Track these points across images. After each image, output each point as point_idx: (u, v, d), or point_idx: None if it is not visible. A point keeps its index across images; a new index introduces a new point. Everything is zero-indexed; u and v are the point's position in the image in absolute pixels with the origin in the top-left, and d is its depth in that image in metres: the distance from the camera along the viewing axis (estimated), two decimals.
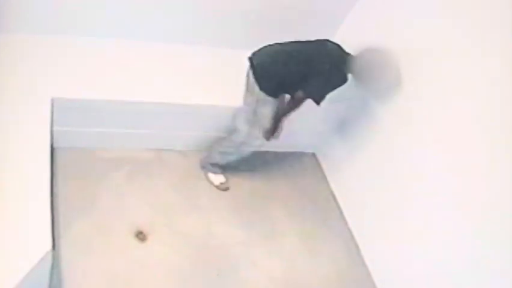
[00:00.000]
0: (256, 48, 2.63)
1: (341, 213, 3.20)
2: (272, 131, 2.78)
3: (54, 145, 2.64)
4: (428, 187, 2.58)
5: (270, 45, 2.62)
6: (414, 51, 2.71)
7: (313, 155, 3.53)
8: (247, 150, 2.85)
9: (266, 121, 2.71)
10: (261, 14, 3.03)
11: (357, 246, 3.03)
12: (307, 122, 3.22)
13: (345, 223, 3.14)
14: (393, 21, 2.90)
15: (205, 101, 2.86)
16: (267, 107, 2.65)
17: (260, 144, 2.82)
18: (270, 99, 2.62)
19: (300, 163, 3.43)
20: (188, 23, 2.98)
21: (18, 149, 2.22)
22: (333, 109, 3.17)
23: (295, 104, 2.72)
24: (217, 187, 3.01)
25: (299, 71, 2.56)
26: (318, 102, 2.63)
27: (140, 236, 2.59)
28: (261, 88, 2.57)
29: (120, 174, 2.83)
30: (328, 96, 2.63)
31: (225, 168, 3.04)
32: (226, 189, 3.03)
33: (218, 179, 3.03)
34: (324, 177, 3.40)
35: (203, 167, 3.04)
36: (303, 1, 3.10)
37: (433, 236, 2.54)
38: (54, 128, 2.56)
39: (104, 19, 2.80)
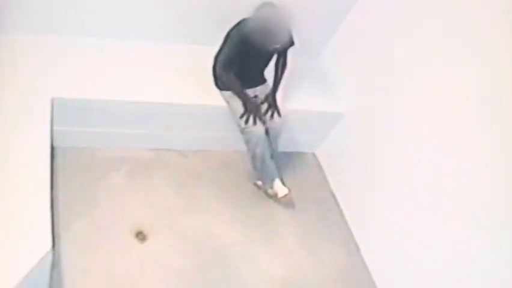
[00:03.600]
0: None
1: (341, 213, 3.20)
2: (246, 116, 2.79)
3: (54, 145, 2.64)
4: (429, 187, 2.58)
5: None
6: (410, 52, 2.72)
7: (313, 155, 3.53)
8: (250, 146, 2.84)
9: (237, 115, 2.79)
10: None
11: (357, 246, 3.03)
12: (307, 122, 3.23)
13: (345, 223, 3.14)
14: (390, 22, 2.90)
15: (205, 101, 2.86)
16: (233, 101, 2.80)
17: (252, 136, 2.79)
18: (225, 93, 2.82)
19: (300, 163, 3.43)
20: (189, 23, 2.98)
21: (18, 149, 2.22)
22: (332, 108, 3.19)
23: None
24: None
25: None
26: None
27: (140, 236, 2.59)
28: (216, 85, 2.87)
29: (120, 174, 2.83)
30: None
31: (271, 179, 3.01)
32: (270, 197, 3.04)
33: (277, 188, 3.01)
34: (324, 177, 3.40)
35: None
36: (303, 2, 3.10)
37: (434, 236, 2.54)
38: (54, 128, 2.55)
39: (104, 19, 2.79)
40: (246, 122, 2.76)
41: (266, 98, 2.87)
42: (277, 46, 2.72)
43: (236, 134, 2.90)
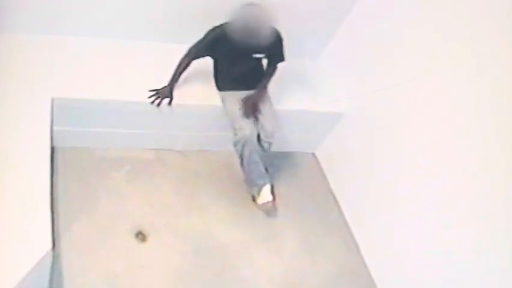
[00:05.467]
0: None
1: (341, 213, 3.19)
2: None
3: (54, 145, 2.64)
4: (428, 187, 2.58)
5: None
6: (410, 52, 2.72)
7: (313, 155, 3.53)
8: (238, 147, 2.81)
9: (232, 115, 2.80)
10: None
11: (357, 246, 3.03)
12: (307, 122, 3.23)
13: (345, 223, 3.14)
14: (390, 23, 2.90)
15: (205, 101, 2.87)
16: (228, 103, 2.82)
17: (241, 137, 2.76)
18: (222, 93, 2.85)
19: (300, 163, 3.43)
20: (188, 24, 2.97)
21: (18, 149, 2.22)
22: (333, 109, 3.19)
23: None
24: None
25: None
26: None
27: (140, 236, 2.59)
28: (216, 86, 2.89)
29: (120, 174, 2.83)
30: None
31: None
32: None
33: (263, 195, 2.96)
34: (324, 177, 3.40)
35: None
36: (302, 3, 3.10)
37: (433, 236, 2.54)
38: (54, 128, 2.56)
39: (104, 19, 2.80)
40: (151, 99, 2.69)
41: (246, 100, 2.82)
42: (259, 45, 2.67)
43: None
